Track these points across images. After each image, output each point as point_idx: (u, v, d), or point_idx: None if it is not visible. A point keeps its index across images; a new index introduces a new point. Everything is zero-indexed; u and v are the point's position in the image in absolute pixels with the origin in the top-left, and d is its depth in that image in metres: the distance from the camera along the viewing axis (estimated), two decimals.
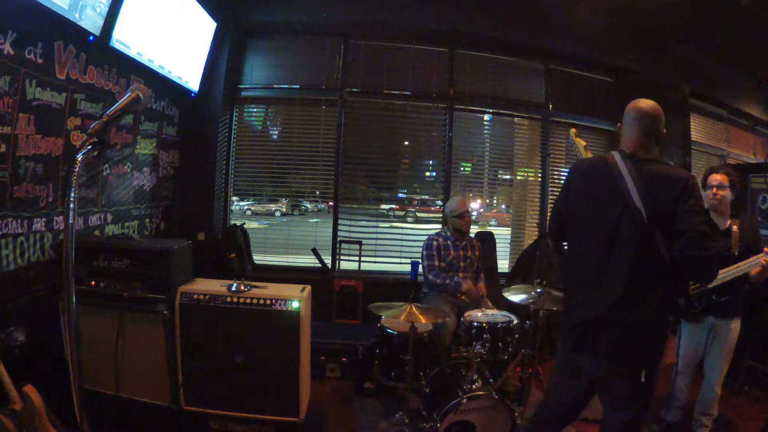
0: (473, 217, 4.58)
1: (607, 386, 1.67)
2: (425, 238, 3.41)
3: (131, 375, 2.28)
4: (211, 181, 4.03)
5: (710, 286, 2.41)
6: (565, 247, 1.89)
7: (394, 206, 4.67)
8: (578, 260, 1.74)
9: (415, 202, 4.95)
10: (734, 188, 2.47)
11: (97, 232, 2.87)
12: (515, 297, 2.68)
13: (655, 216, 1.51)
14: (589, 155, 2.33)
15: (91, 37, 2.44)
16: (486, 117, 4.53)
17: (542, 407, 1.99)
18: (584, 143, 2.43)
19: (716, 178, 2.47)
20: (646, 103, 1.72)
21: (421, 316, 2.34)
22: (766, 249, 2.21)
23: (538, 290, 2.62)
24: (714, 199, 2.46)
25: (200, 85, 3.81)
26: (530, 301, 2.61)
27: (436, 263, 3.24)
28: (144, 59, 2.95)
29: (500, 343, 2.62)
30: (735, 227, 2.44)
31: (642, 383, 1.57)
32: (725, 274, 2.35)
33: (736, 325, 2.47)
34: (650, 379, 1.60)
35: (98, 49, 2.56)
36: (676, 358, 2.66)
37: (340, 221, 4.27)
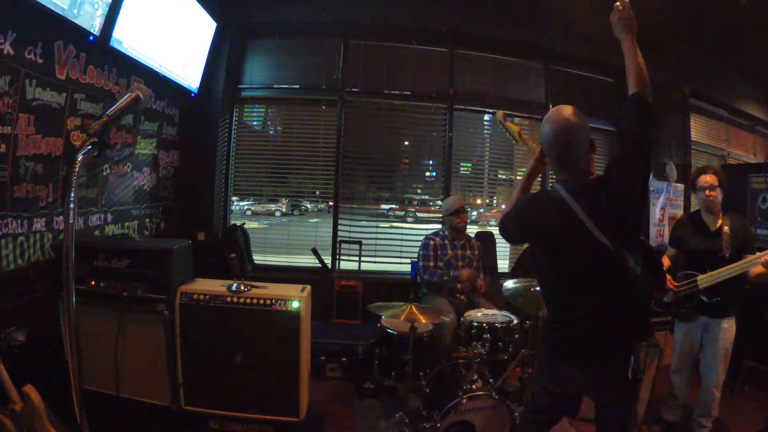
0: (473, 217, 4.59)
1: (595, 390, 1.66)
2: (423, 237, 3.42)
3: (131, 375, 2.28)
4: (211, 181, 4.03)
5: (701, 287, 2.41)
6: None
7: (394, 206, 4.67)
8: (557, 292, 1.70)
9: (415, 202, 4.95)
10: (722, 187, 2.48)
11: (97, 232, 2.87)
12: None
13: (620, 237, 1.49)
14: (527, 141, 2.08)
15: (91, 37, 2.44)
16: (486, 117, 4.53)
17: (526, 412, 1.94)
18: (517, 128, 2.16)
19: (706, 179, 2.48)
20: (569, 112, 1.61)
21: (421, 316, 2.34)
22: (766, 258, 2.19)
23: (538, 289, 2.62)
24: (707, 201, 2.47)
25: (200, 85, 3.81)
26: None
27: (431, 264, 3.24)
28: (144, 59, 2.95)
29: (500, 343, 2.62)
30: (726, 228, 2.44)
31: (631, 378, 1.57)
32: (718, 275, 2.34)
33: (729, 325, 2.45)
34: (637, 365, 1.58)
35: (98, 48, 2.56)
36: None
37: (340, 221, 4.27)
